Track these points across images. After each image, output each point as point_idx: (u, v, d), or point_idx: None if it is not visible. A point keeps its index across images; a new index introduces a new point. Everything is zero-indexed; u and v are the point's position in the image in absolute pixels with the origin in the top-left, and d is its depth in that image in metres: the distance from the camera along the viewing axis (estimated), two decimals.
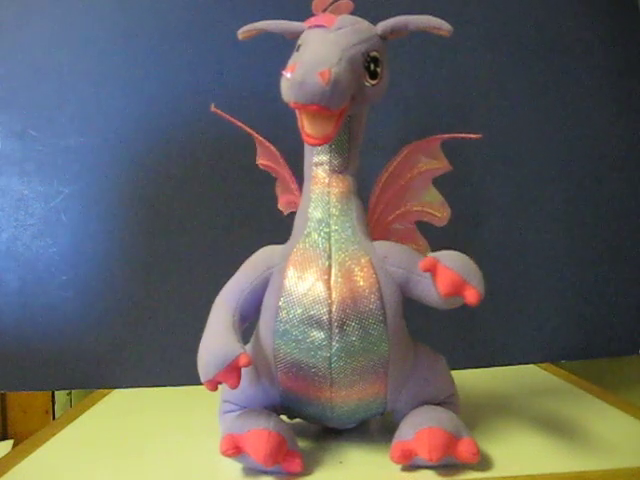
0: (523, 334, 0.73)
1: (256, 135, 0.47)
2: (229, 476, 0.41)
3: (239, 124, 0.46)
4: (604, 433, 0.47)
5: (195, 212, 0.71)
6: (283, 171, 0.47)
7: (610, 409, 0.53)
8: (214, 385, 0.38)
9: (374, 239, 0.42)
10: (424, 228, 0.47)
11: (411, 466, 0.40)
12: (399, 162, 0.45)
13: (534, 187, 0.74)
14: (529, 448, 0.44)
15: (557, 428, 0.48)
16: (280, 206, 0.50)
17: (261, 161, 0.49)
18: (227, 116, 0.45)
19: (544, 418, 0.50)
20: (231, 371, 0.38)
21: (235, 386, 0.38)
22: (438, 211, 0.46)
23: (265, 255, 0.43)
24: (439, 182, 0.46)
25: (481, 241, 0.73)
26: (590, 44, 0.75)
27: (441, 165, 0.46)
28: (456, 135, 0.44)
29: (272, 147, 0.47)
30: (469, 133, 0.43)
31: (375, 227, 0.45)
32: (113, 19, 0.72)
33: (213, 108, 0.45)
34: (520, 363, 0.69)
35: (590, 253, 0.75)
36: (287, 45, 0.42)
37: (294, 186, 0.46)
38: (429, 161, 0.45)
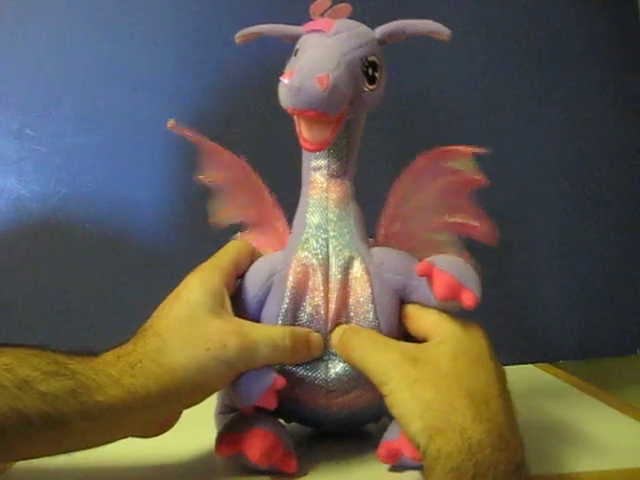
0: (521, 334, 0.73)
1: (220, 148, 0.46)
2: (224, 475, 0.41)
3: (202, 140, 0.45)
4: (602, 434, 0.47)
5: (194, 213, 0.70)
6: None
7: (608, 410, 0.53)
8: (253, 409, 0.40)
9: (390, 246, 0.42)
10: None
11: (402, 466, 0.39)
12: (417, 171, 0.43)
13: (533, 188, 0.74)
14: (526, 449, 0.44)
15: (554, 429, 0.48)
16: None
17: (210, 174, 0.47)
18: (187, 132, 0.44)
19: (541, 419, 0.50)
20: (270, 394, 0.39)
21: (274, 407, 0.39)
22: (477, 223, 0.44)
23: (266, 264, 0.43)
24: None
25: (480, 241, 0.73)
26: (590, 45, 0.75)
27: (476, 177, 0.42)
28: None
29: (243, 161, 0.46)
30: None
31: (389, 237, 0.44)
32: (111, 19, 0.71)
33: (171, 124, 0.44)
34: (518, 363, 0.69)
35: (589, 253, 0.75)
36: (286, 48, 0.41)
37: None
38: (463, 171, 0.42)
